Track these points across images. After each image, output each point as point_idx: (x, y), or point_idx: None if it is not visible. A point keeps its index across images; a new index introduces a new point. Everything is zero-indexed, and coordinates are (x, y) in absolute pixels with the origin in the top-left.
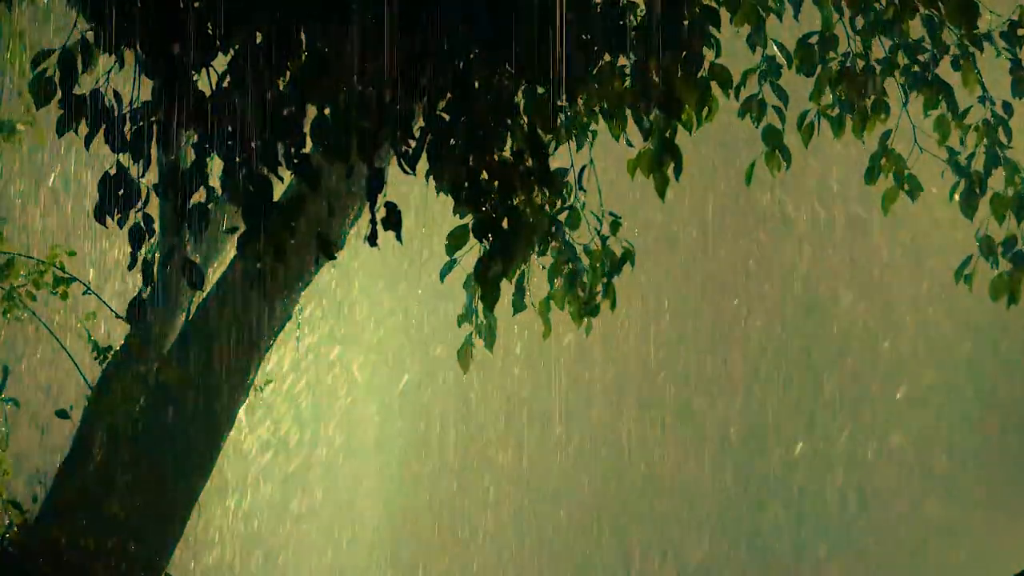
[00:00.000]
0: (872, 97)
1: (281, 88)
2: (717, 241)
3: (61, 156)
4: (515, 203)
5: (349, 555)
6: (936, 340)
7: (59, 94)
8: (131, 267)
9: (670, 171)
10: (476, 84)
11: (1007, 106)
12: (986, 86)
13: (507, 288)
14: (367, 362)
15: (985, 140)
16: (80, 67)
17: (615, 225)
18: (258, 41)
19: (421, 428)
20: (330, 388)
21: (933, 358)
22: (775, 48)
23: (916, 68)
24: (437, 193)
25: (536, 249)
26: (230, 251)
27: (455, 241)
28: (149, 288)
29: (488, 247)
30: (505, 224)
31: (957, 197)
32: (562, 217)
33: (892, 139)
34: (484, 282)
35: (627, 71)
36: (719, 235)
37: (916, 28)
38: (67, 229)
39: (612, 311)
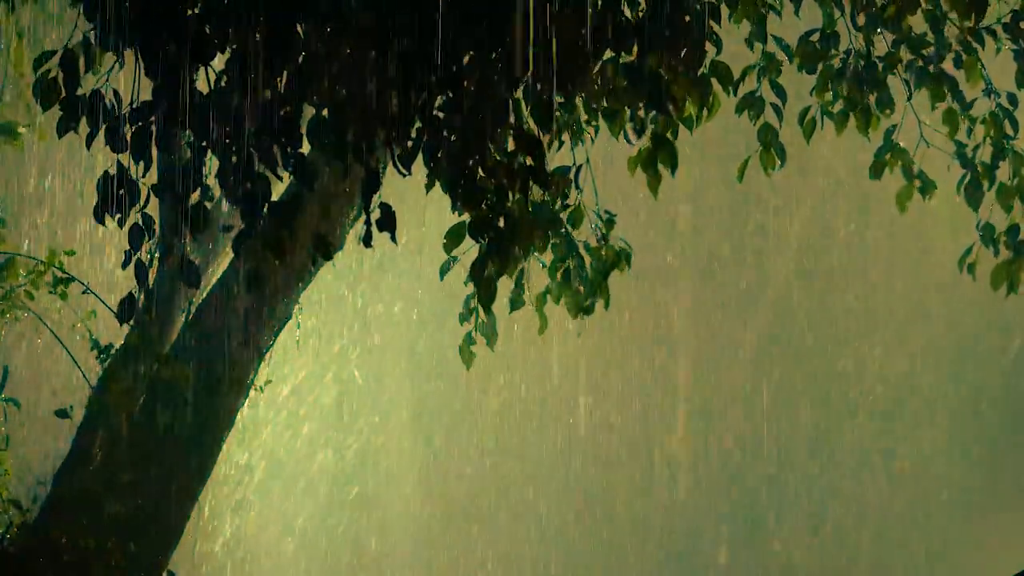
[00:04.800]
0: (874, 94)
1: (278, 88)
2: (717, 238)
3: (61, 156)
4: (511, 202)
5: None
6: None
7: (63, 94)
8: (124, 266)
9: (664, 169)
10: (471, 84)
11: (1012, 98)
12: (990, 79)
13: (508, 285)
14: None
15: (992, 132)
16: (83, 67)
17: (609, 223)
18: (256, 41)
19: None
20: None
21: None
22: (775, 45)
23: (920, 63)
24: (436, 189)
25: (536, 247)
26: (230, 251)
27: (453, 239)
28: (142, 289)
29: (484, 247)
30: (501, 223)
31: (963, 192)
32: (564, 215)
33: (897, 134)
34: (480, 282)
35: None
36: (718, 232)
37: (917, 24)
38: (67, 229)
39: (606, 309)
